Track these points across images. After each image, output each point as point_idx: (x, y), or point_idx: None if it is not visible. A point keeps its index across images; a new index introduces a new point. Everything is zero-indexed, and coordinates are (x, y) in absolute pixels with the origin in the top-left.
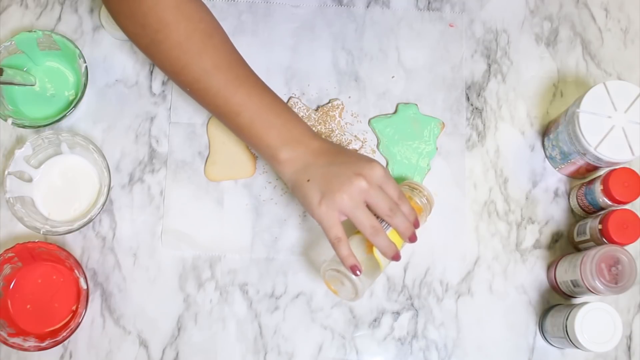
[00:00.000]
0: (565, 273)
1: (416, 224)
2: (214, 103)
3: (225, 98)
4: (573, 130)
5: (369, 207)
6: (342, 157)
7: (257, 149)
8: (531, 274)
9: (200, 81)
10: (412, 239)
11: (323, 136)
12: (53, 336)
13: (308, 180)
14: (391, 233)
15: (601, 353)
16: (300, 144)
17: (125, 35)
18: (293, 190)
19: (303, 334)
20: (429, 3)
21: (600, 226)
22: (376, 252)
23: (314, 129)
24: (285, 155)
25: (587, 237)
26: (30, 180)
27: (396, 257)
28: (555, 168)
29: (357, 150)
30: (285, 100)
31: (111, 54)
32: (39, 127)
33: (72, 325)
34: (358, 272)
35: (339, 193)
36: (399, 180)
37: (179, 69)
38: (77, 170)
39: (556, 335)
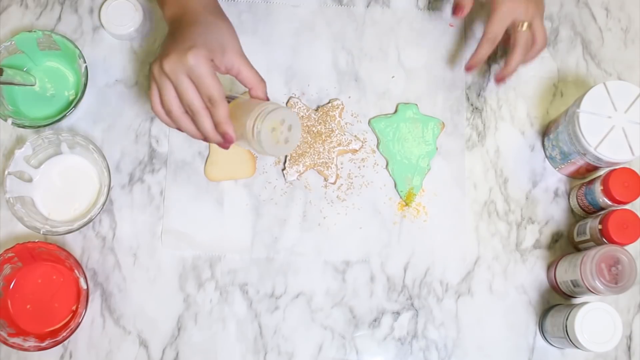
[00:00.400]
0: (565, 273)
1: (226, 137)
2: None
3: None
4: (573, 130)
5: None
6: (181, 32)
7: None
8: (531, 274)
9: None
10: (223, 146)
11: (323, 136)
12: (53, 336)
13: (168, 32)
14: None
15: (601, 353)
16: (177, 6)
17: (125, 35)
18: None
19: (303, 334)
20: (429, 3)
21: (600, 226)
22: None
23: (313, 129)
24: (166, 12)
25: (587, 237)
26: (30, 180)
27: (205, 140)
28: (555, 168)
29: (362, 143)
30: (286, 100)
31: (111, 54)
32: (39, 127)
33: (72, 325)
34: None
35: (154, 64)
36: (400, 179)
37: None
38: (77, 170)
39: (556, 335)
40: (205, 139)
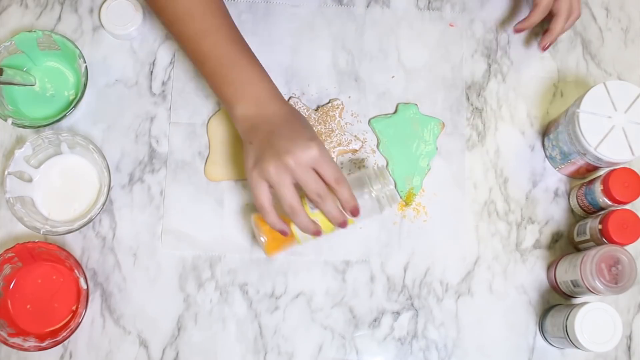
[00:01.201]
0: (565, 273)
1: (354, 211)
2: (185, 48)
3: (193, 46)
4: (573, 130)
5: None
6: (286, 129)
7: (219, 99)
8: (531, 274)
9: (174, 25)
10: (342, 225)
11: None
12: (53, 336)
13: (250, 143)
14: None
15: (601, 353)
16: (254, 105)
17: (125, 35)
18: (243, 148)
19: (303, 334)
20: (429, 3)
21: (600, 226)
22: (293, 226)
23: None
24: (239, 112)
25: (587, 237)
26: (30, 180)
27: (316, 234)
28: (555, 168)
29: (362, 143)
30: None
31: (111, 54)
32: (39, 127)
33: (72, 325)
34: (285, 234)
35: (267, 164)
36: (400, 179)
37: (158, 10)
38: (77, 170)
39: (556, 335)
40: (312, 230)
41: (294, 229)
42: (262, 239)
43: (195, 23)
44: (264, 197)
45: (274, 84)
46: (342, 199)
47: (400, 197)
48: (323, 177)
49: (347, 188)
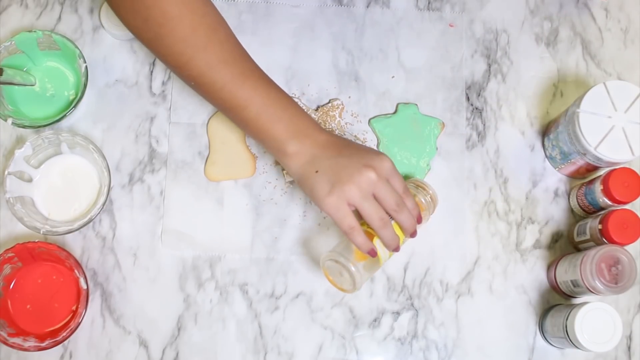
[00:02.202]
0: (565, 273)
1: (419, 220)
2: (219, 97)
3: (231, 92)
4: (573, 130)
5: (376, 199)
6: (349, 149)
7: (264, 143)
8: (531, 274)
9: (206, 75)
10: (414, 234)
11: None
12: (53, 336)
13: (316, 172)
14: (394, 226)
15: (601, 353)
16: (307, 137)
17: (125, 35)
18: (300, 183)
19: (303, 334)
20: (429, 3)
21: (600, 226)
22: (377, 245)
23: None
24: (293, 148)
25: (587, 237)
26: (30, 180)
27: (397, 249)
28: (555, 168)
29: (362, 143)
30: None
31: (111, 54)
32: (39, 127)
33: (72, 325)
34: (374, 254)
35: (348, 184)
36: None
37: (183, 63)
38: (77, 170)
39: (556, 335)
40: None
41: (377, 247)
42: (352, 268)
43: (231, 68)
44: (352, 218)
45: (311, 116)
46: (409, 208)
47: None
48: (394, 187)
49: (412, 197)
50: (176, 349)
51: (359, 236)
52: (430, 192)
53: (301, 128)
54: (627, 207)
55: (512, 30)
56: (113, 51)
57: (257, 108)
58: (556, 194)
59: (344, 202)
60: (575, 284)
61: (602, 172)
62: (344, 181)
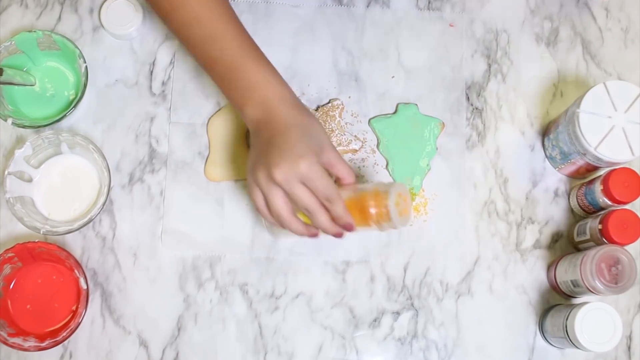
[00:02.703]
0: (565, 273)
1: (347, 227)
2: (193, 53)
3: (201, 51)
4: (573, 130)
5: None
6: (283, 139)
7: (231, 103)
8: (531, 274)
9: (181, 31)
10: (337, 235)
11: None
12: (53, 336)
13: (254, 146)
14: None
15: (601, 353)
16: (261, 110)
17: (126, 35)
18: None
19: (303, 334)
20: (429, 3)
21: (600, 226)
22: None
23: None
24: (248, 113)
25: (587, 237)
26: (30, 180)
27: (312, 235)
28: (555, 168)
29: (362, 143)
30: None
31: (111, 54)
32: (39, 127)
33: (72, 325)
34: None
35: (259, 173)
36: (400, 179)
37: (164, 15)
38: (77, 170)
39: (556, 335)
40: (312, 234)
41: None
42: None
43: (202, 28)
44: (258, 202)
45: (285, 87)
46: (334, 216)
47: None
48: (314, 193)
49: (339, 205)
50: (176, 349)
51: (264, 218)
52: (387, 203)
53: (259, 99)
54: (627, 207)
55: (512, 30)
56: (113, 51)
57: (220, 72)
58: (556, 194)
59: (254, 185)
60: (575, 284)
61: (602, 172)
62: (258, 168)
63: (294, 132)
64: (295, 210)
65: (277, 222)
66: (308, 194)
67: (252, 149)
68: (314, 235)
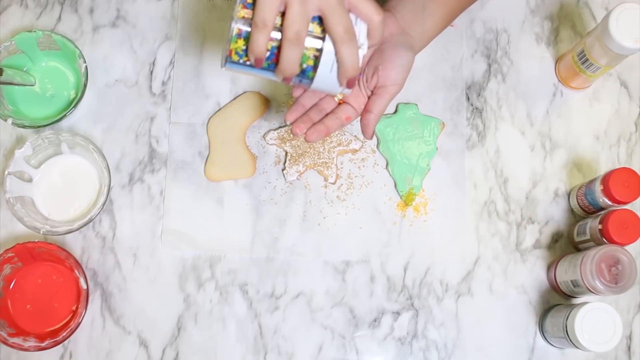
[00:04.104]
0: (565, 273)
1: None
2: None
3: None
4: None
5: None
6: None
7: None
8: (531, 274)
9: None
10: (351, 84)
11: None
12: (53, 336)
13: None
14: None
15: (601, 353)
16: None
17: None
18: None
19: (303, 334)
20: None
21: (600, 226)
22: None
23: None
24: None
25: (587, 237)
26: (30, 180)
27: (257, 63)
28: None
29: (362, 143)
30: (285, 100)
31: (111, 54)
32: (39, 127)
33: (72, 325)
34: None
35: None
36: (400, 179)
37: None
38: (77, 170)
39: (556, 335)
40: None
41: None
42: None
43: None
44: (269, 10)
45: None
46: (352, 56)
47: (401, 197)
48: (331, 22)
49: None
50: (176, 349)
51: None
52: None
53: None
54: (627, 207)
55: (513, 30)
56: (113, 51)
57: None
58: (556, 194)
59: None
60: (575, 284)
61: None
62: None
63: None
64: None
65: (289, 40)
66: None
67: None
68: (259, 63)
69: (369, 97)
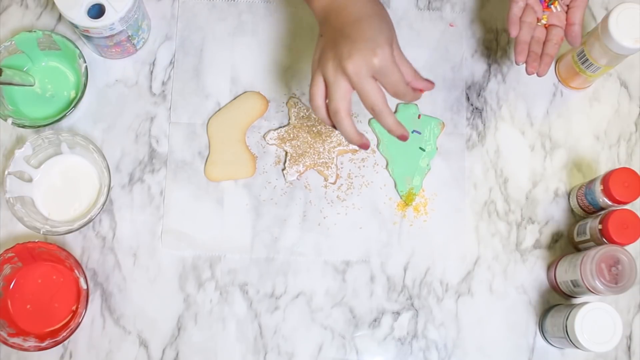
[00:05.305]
0: (565, 273)
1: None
2: None
3: None
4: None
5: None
6: (354, 29)
7: None
8: (531, 274)
9: None
10: (402, 138)
11: (323, 136)
12: (53, 336)
13: (321, 35)
14: None
15: (601, 353)
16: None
17: None
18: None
19: (303, 334)
20: (429, 3)
21: (600, 226)
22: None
23: (313, 128)
24: (315, 3)
25: (587, 237)
26: (30, 180)
27: (363, 146)
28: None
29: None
30: (285, 100)
31: None
32: (39, 127)
33: (72, 325)
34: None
35: (327, 62)
36: (400, 179)
37: None
38: (77, 170)
39: (556, 335)
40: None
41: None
42: None
43: None
44: (316, 93)
45: None
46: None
47: (401, 197)
48: (385, 87)
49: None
50: (176, 349)
51: (313, 108)
52: None
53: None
54: (627, 207)
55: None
56: None
57: None
58: (556, 194)
59: (321, 75)
60: (575, 284)
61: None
62: (327, 57)
63: (369, 22)
64: (351, 110)
65: (331, 119)
66: (377, 90)
67: (319, 38)
68: (365, 147)
69: (566, 12)
